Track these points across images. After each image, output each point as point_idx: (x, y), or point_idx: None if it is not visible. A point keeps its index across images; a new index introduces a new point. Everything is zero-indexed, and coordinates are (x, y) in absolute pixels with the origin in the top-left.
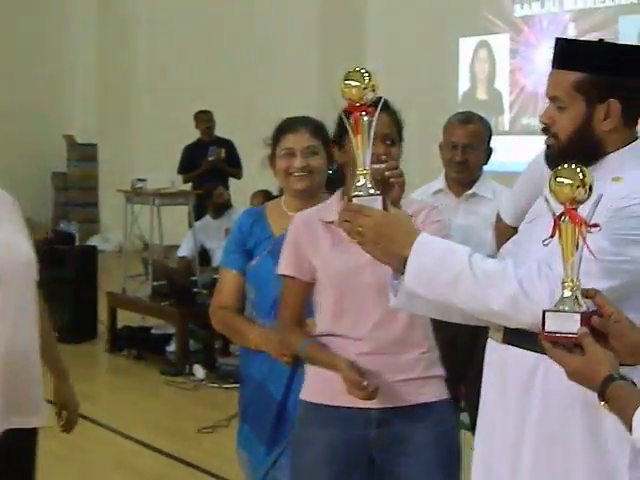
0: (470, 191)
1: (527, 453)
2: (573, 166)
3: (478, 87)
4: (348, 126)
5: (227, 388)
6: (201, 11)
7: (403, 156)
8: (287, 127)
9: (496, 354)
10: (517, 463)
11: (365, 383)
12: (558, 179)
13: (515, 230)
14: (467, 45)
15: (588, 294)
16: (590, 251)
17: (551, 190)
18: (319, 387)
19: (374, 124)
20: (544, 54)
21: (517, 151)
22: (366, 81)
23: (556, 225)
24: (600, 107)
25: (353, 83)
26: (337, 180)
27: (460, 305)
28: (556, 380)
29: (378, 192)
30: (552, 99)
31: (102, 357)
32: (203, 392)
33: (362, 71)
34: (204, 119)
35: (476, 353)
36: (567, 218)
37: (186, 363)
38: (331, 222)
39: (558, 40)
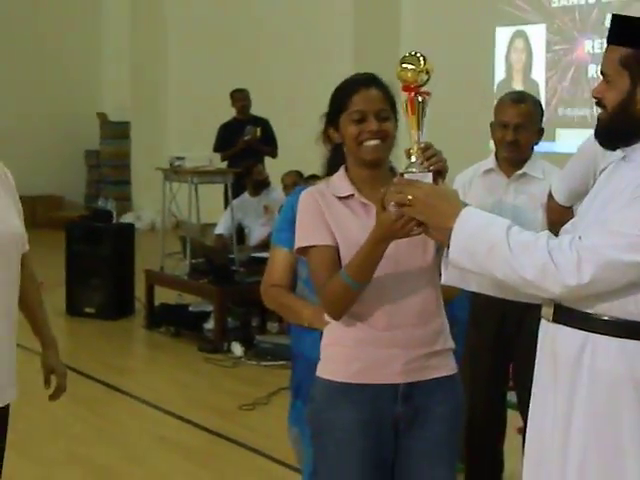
0: (520, 171)
1: (576, 431)
2: None
3: (514, 77)
4: (402, 106)
5: (265, 366)
6: None
7: (441, 141)
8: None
9: (547, 333)
10: (567, 441)
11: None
12: None
13: (567, 209)
14: (503, 35)
15: None
16: None
17: None
18: (345, 365)
19: (427, 105)
20: (581, 44)
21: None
22: (421, 64)
23: None
24: None
25: (409, 66)
26: (335, 161)
27: (498, 276)
28: (604, 359)
29: (429, 169)
30: (602, 74)
31: (140, 333)
32: (241, 369)
33: (417, 55)
34: (240, 97)
35: (525, 331)
36: None
37: (224, 340)
38: (347, 197)
39: (612, 16)
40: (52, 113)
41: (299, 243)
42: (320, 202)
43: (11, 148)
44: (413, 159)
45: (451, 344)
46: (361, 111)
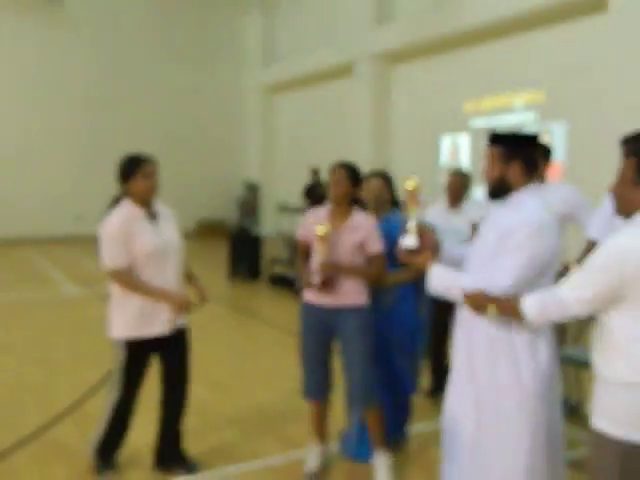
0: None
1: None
2: None
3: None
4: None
5: None
6: (317, 105)
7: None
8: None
9: (462, 313)
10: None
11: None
12: None
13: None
14: (445, 139)
15: None
16: None
17: None
18: (309, 294)
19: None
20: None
21: None
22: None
23: None
24: (511, 165)
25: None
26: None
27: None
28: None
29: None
30: (488, 161)
31: (264, 289)
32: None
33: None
34: (316, 172)
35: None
36: None
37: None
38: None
39: (490, 133)
40: (220, 180)
41: (298, 236)
42: (311, 218)
43: (200, 199)
44: None
45: (363, 300)
46: (331, 180)
